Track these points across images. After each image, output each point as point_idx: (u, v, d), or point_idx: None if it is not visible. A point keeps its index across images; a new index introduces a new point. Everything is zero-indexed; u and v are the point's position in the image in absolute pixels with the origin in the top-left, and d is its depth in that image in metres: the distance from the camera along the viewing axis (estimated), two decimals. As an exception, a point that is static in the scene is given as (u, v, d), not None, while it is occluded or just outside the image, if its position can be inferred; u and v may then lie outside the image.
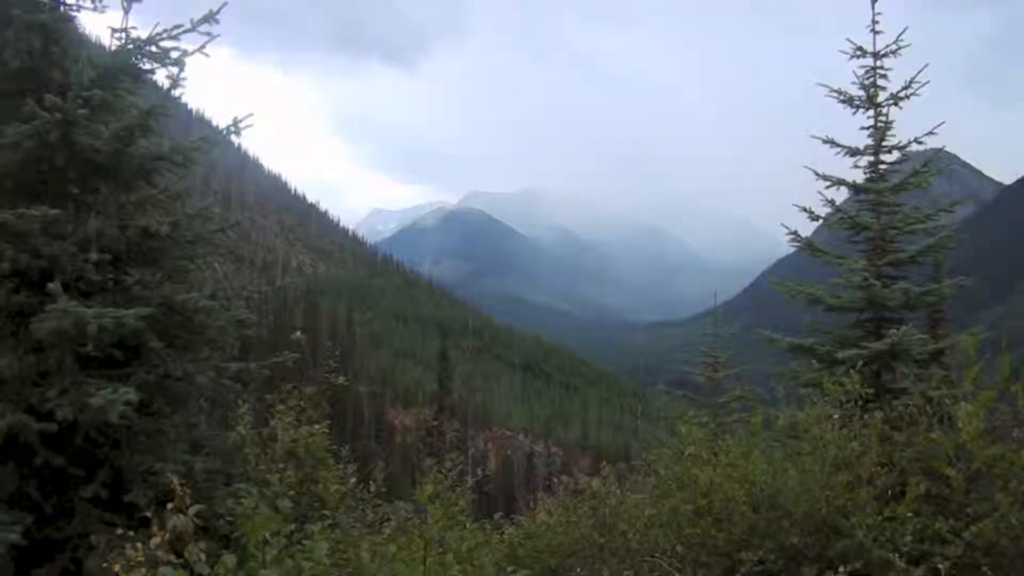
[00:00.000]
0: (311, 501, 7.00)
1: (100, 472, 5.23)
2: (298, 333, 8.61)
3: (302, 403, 7.75)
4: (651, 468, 8.21)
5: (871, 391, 7.46)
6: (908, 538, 5.55)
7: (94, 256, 5.37)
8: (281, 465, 6.82)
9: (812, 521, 6.11)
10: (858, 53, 10.45)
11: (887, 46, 10.32)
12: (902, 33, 10.23)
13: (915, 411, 6.61)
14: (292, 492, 6.08)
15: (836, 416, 6.54)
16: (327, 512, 6.68)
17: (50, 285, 4.98)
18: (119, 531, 4.20)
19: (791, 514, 6.20)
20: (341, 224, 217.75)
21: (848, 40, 10.48)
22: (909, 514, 5.68)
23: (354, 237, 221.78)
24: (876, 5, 10.25)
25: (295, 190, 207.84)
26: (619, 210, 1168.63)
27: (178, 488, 3.85)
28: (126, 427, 5.22)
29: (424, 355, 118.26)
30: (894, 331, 9.03)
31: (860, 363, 8.00)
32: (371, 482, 8.80)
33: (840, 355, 9.14)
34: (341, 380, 8.50)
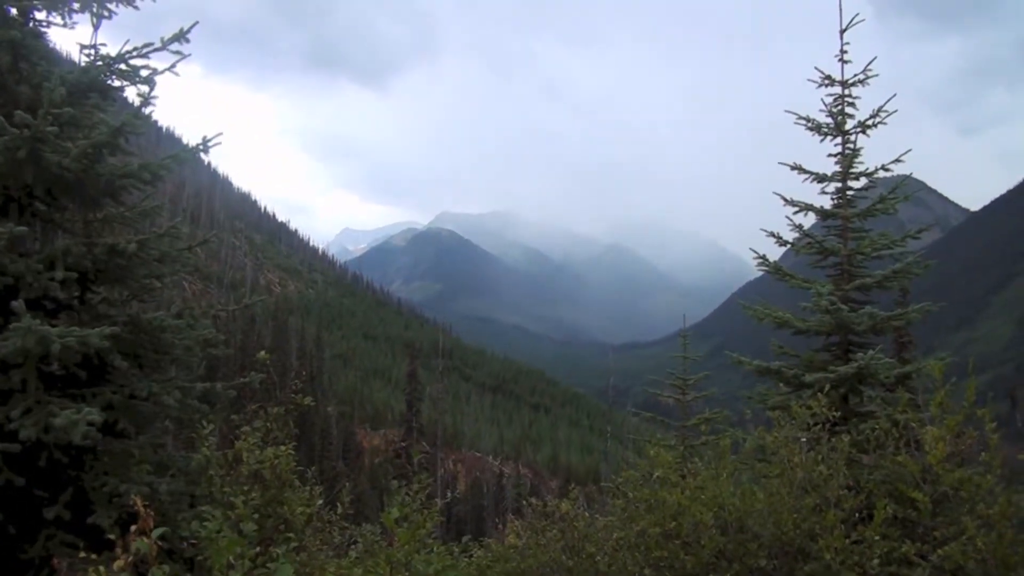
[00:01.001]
0: (276, 523, 6.92)
1: (64, 493, 5.15)
2: (263, 353, 8.54)
3: (268, 424, 7.67)
4: (620, 490, 8.20)
5: (838, 414, 7.51)
6: (875, 561, 5.59)
7: (60, 274, 5.32)
8: (246, 487, 6.75)
9: (780, 544, 6.14)
10: (826, 82, 10.61)
11: (855, 75, 10.49)
12: (870, 63, 10.43)
13: (882, 434, 6.67)
14: (257, 514, 6.01)
15: (803, 439, 6.59)
16: (292, 535, 6.61)
17: (14, 303, 4.92)
18: (82, 554, 4.14)
19: (759, 537, 6.22)
20: (311, 243, 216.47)
21: (817, 69, 10.66)
22: (876, 537, 5.71)
23: (324, 256, 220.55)
24: (845, 35, 10.44)
25: (265, 209, 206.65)
26: (590, 231, 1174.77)
27: (142, 510, 3.80)
28: (90, 448, 5.16)
29: (393, 375, 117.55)
30: (861, 355, 9.12)
31: (827, 386, 8.08)
32: (338, 504, 8.72)
33: (808, 378, 9.23)
34: (307, 400, 8.43)
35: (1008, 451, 6.21)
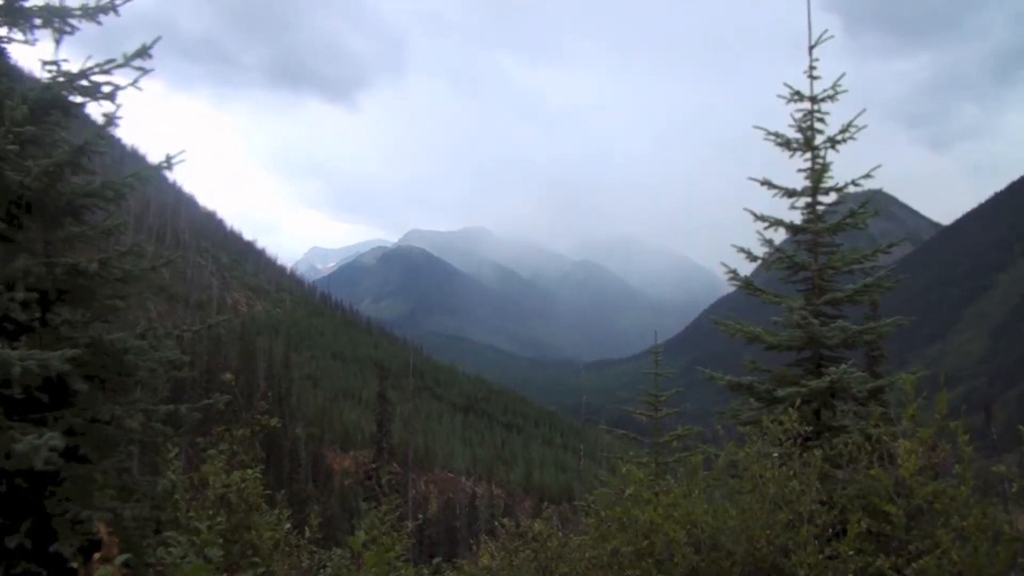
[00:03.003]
0: (243, 548, 6.84)
1: (26, 521, 5.06)
2: (228, 375, 8.46)
3: (234, 446, 7.60)
4: (592, 509, 8.20)
5: (810, 429, 7.57)
6: (850, 576, 5.63)
7: (20, 295, 5.24)
8: (212, 511, 6.67)
9: (753, 560, 6.16)
10: (796, 98, 10.70)
11: (824, 91, 10.59)
12: (840, 78, 10.52)
13: (855, 448, 6.71)
14: (223, 539, 5.94)
15: (776, 454, 6.63)
16: (260, 560, 6.54)
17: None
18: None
19: (732, 554, 6.24)
20: (278, 262, 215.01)
21: (786, 85, 10.76)
22: (851, 552, 5.74)
23: (291, 276, 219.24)
24: (813, 52, 10.55)
25: (231, 227, 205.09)
26: (560, 248, 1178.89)
27: (106, 536, 3.74)
28: (52, 473, 5.07)
29: (363, 396, 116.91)
30: (833, 369, 9.18)
31: (799, 401, 8.13)
32: (307, 528, 8.64)
33: (779, 393, 9.28)
34: (274, 421, 8.36)
35: (983, 463, 6.28)
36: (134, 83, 5.93)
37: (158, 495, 5.92)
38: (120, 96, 5.94)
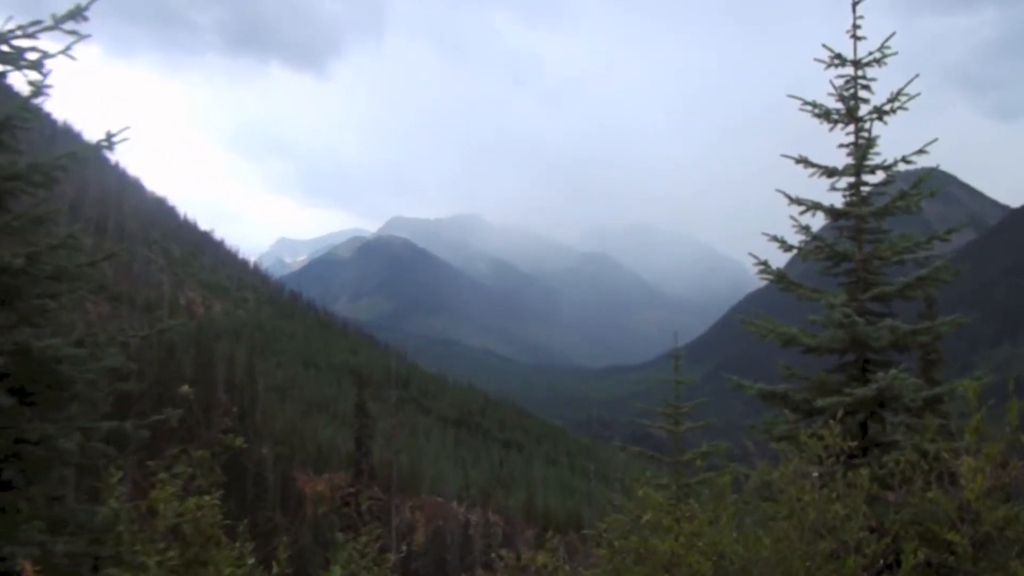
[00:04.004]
0: (199, 588, 6.80)
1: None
2: (185, 387, 8.42)
3: (190, 469, 7.55)
4: (604, 538, 8.16)
5: (856, 445, 7.54)
6: (904, 615, 5.58)
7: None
8: (162, 545, 6.62)
9: (791, 598, 6.12)
10: (836, 62, 10.63)
11: (870, 53, 10.52)
12: (888, 39, 10.43)
13: (908, 467, 6.66)
14: (175, 577, 5.90)
15: (816, 474, 6.58)
16: (219, 601, 6.49)
17: None
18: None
19: (767, 590, 6.20)
20: (240, 256, 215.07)
21: (825, 47, 10.68)
22: (905, 587, 5.71)
23: (255, 271, 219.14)
24: (858, 8, 10.47)
25: (184, 216, 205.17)
26: (565, 238, 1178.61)
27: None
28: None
29: (339, 409, 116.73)
30: (881, 375, 9.13)
31: (842, 412, 8.07)
32: (274, 563, 8.59)
33: (819, 403, 9.24)
34: (238, 441, 8.31)
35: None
36: (66, 50, 5.86)
37: (97, 527, 5.87)
38: (49, 64, 5.88)
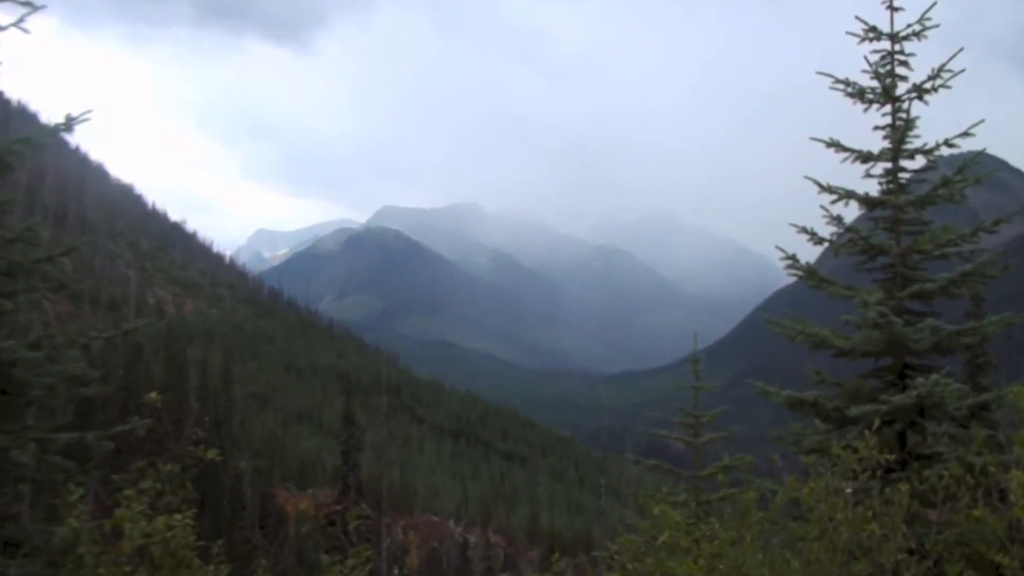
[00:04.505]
0: (169, 615, 6.81)
1: None
2: (153, 393, 8.43)
3: (159, 485, 7.56)
4: (616, 561, 8.17)
5: (894, 458, 7.54)
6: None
7: None
8: (128, 568, 6.63)
9: (822, 626, 6.12)
10: (871, 35, 10.61)
11: (908, 26, 10.50)
12: (929, 9, 10.39)
13: (952, 482, 6.66)
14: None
15: (849, 490, 6.58)
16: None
17: None
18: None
19: (795, 617, 6.21)
20: (214, 249, 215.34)
21: (859, 19, 10.65)
22: (949, 614, 5.71)
23: (232, 266, 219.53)
24: (894, -26, 10.45)
25: (152, 205, 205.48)
26: (573, 230, 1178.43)
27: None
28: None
29: (324, 419, 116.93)
30: (922, 380, 9.12)
31: (879, 422, 8.08)
32: (252, 587, 8.61)
33: (853, 412, 9.24)
34: (212, 453, 8.32)
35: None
36: (19, 22, 5.85)
37: (55, 548, 5.88)
38: (0, 38, 5.86)
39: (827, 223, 10.63)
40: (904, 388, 9.52)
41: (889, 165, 10.53)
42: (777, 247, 10.98)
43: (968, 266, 10.13)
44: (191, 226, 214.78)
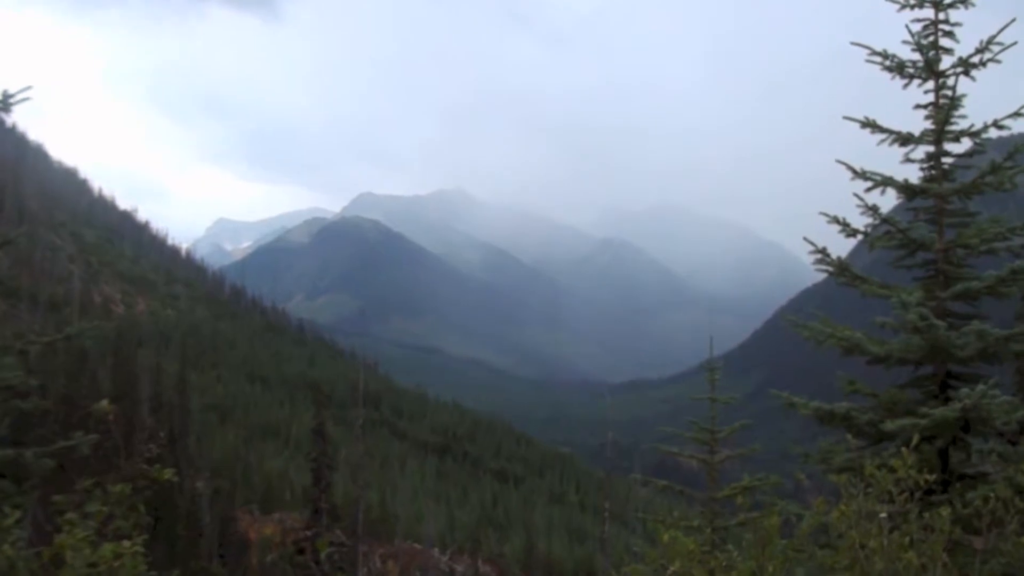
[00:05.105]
0: (118, 655, 6.81)
1: None
2: (102, 403, 8.42)
3: (106, 508, 7.56)
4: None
5: (934, 478, 7.54)
6: None
7: None
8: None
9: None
10: (912, 2, 10.62)
11: (955, -9, 10.53)
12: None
13: (1000, 506, 6.68)
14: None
15: (884, 514, 6.60)
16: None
17: None
18: None
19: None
20: (169, 241, 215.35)
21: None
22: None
23: (188, 260, 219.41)
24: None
25: (99, 192, 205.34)
26: (575, 221, 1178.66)
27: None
28: None
29: (293, 434, 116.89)
30: (966, 392, 9.12)
31: (918, 438, 8.09)
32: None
33: (889, 426, 9.26)
34: (167, 473, 8.32)
35: None
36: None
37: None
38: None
39: (861, 213, 10.62)
40: (947, 400, 9.54)
41: (931, 148, 10.54)
42: (805, 239, 10.98)
43: (1019, 263, 10.12)
44: (142, 215, 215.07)
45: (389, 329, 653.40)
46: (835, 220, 10.66)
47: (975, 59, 10.41)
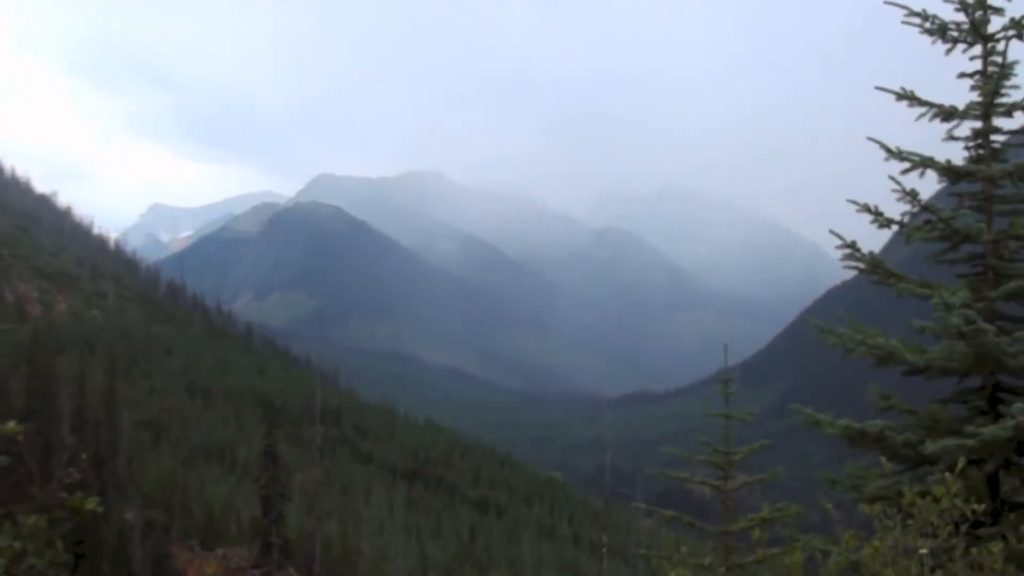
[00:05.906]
0: None
1: None
2: (12, 424, 8.40)
3: (18, 543, 7.54)
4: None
5: (983, 508, 7.56)
6: None
7: None
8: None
9: None
10: (954, -48, 10.64)
11: (1005, -57, 10.55)
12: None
13: (1055, 539, 6.70)
14: None
15: (925, 550, 6.61)
16: None
17: None
18: None
19: None
20: (95, 230, 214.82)
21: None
22: None
23: (119, 253, 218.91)
24: None
25: (11, 172, 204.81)
26: (568, 208, 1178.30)
27: None
28: None
29: (240, 456, 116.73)
30: (1020, 407, 9.13)
31: (963, 461, 8.11)
32: None
33: (930, 448, 9.26)
34: (91, 502, 8.30)
35: None
36: None
37: None
38: None
39: (897, 200, 10.60)
40: (997, 417, 9.55)
41: (978, 125, 10.54)
42: (831, 232, 10.99)
43: (1080, 258, 10.18)
44: (63, 199, 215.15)
45: (351, 333, 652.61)
46: (866, 209, 10.64)
47: (1029, 21, 10.44)
